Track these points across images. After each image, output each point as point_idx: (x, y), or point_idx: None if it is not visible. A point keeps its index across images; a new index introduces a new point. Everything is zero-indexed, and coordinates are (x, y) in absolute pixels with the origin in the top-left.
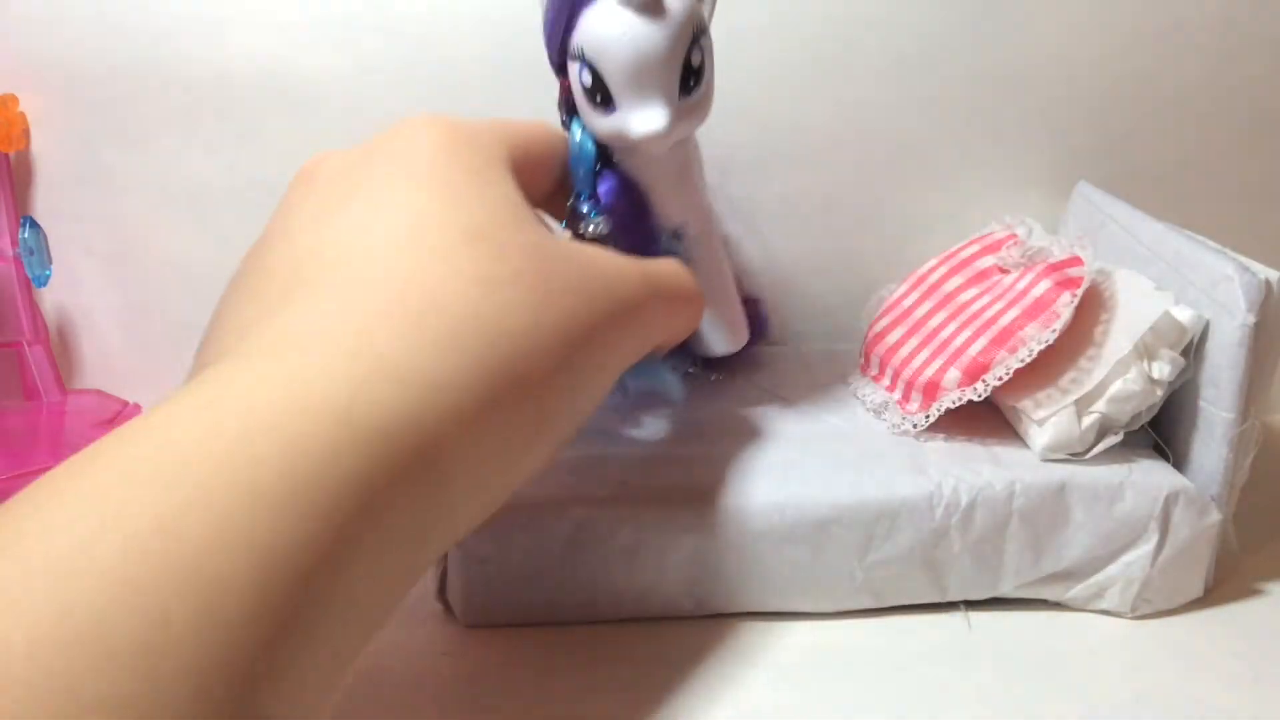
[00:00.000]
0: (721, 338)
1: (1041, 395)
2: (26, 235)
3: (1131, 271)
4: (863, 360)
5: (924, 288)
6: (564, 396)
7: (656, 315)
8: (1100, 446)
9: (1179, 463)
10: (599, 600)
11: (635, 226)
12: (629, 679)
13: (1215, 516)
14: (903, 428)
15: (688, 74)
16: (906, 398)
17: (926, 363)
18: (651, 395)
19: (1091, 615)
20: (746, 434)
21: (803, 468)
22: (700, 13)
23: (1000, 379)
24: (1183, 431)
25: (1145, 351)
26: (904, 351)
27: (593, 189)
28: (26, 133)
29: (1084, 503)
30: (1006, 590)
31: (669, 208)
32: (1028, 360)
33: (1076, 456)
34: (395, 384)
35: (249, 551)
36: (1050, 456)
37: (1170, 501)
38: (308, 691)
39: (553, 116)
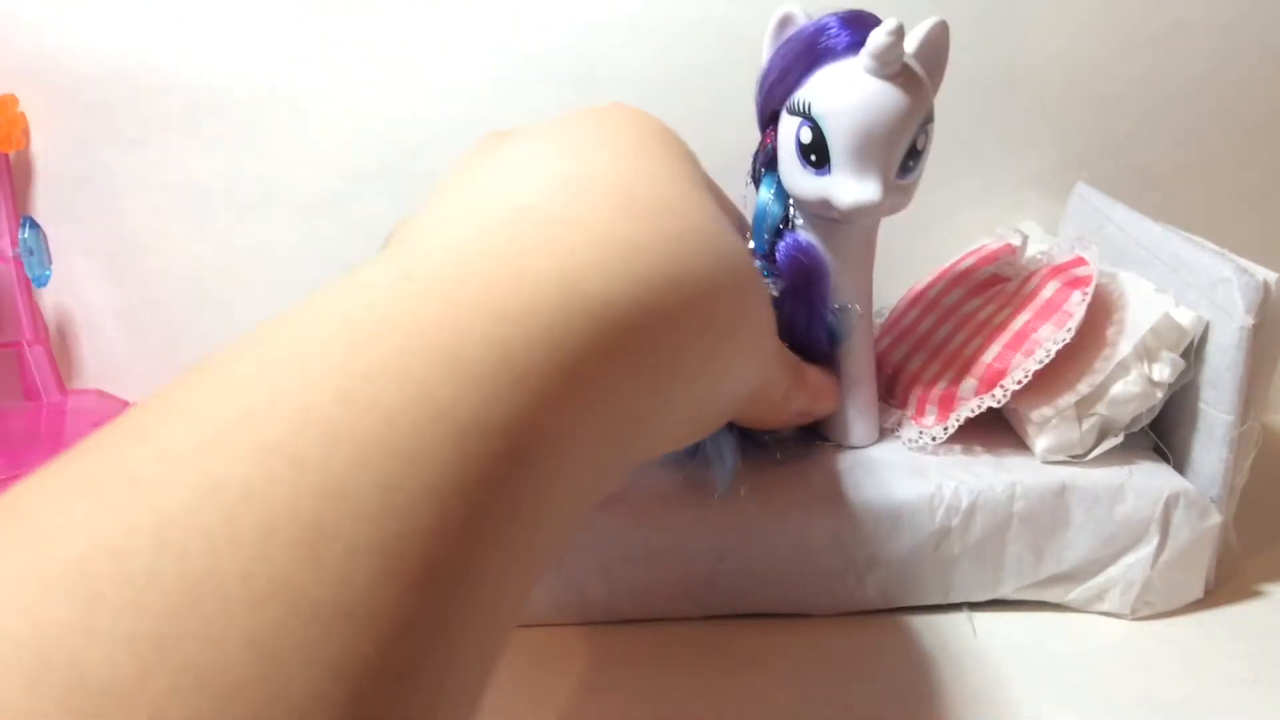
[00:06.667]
0: (862, 429)
1: (1042, 397)
2: (26, 235)
3: (1131, 274)
4: None
5: (923, 304)
6: (745, 339)
7: (785, 350)
8: (1100, 448)
9: (1179, 464)
10: (598, 601)
11: (804, 295)
12: (629, 680)
13: (1215, 518)
14: (920, 442)
15: (909, 155)
16: (921, 412)
17: (939, 375)
18: (702, 464)
19: (1092, 616)
20: (746, 437)
21: (803, 470)
22: (931, 99)
23: (1019, 383)
24: (1183, 433)
25: (1145, 353)
26: (912, 367)
27: (771, 250)
28: (26, 133)
29: (1084, 505)
30: (1007, 592)
31: (841, 284)
32: (1046, 361)
33: (1077, 458)
34: (635, 273)
35: (447, 422)
36: (1051, 458)
37: (1171, 503)
38: (502, 592)
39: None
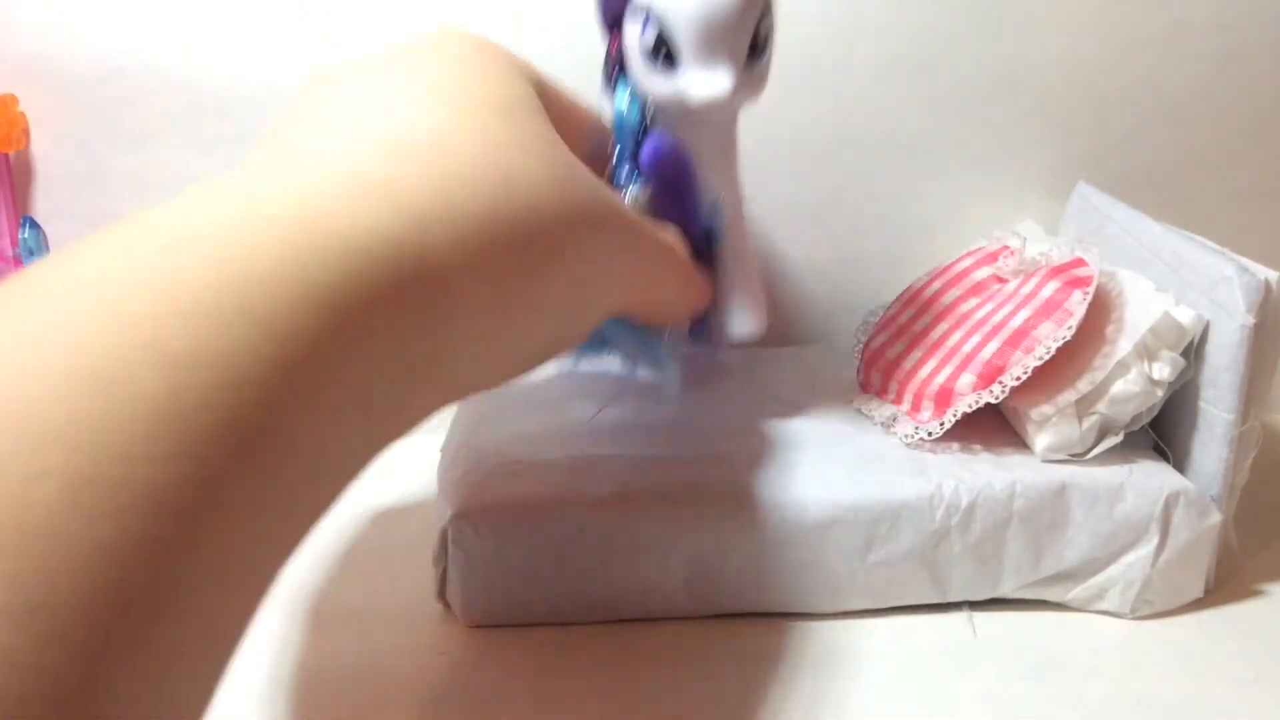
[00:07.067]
0: (746, 318)
1: (1042, 396)
2: (26, 235)
3: (1131, 273)
4: (862, 379)
5: (919, 303)
6: (562, 279)
7: (657, 260)
8: (1101, 447)
9: (1179, 463)
10: (599, 600)
11: (675, 195)
12: (629, 679)
13: (1215, 517)
14: (916, 437)
15: (755, 42)
16: (916, 407)
17: (935, 371)
18: (646, 377)
19: (1092, 616)
20: (746, 435)
21: (803, 469)
22: None
23: (1018, 379)
24: (1183, 432)
25: (1145, 352)
26: (908, 364)
27: (635, 154)
28: (26, 133)
29: (1084, 504)
30: (1007, 591)
31: (708, 179)
32: (1045, 358)
33: (1077, 457)
34: (389, 209)
35: (151, 353)
36: (1051, 457)
37: (1170, 502)
38: (240, 527)
39: None
